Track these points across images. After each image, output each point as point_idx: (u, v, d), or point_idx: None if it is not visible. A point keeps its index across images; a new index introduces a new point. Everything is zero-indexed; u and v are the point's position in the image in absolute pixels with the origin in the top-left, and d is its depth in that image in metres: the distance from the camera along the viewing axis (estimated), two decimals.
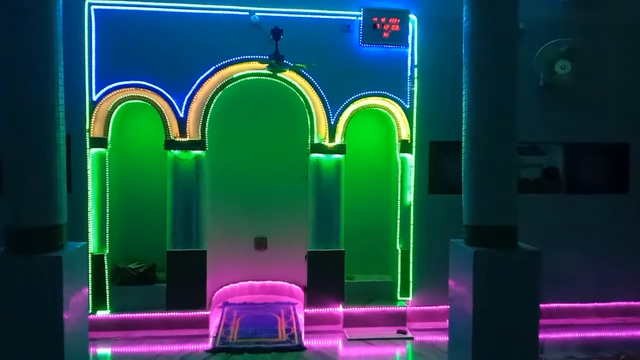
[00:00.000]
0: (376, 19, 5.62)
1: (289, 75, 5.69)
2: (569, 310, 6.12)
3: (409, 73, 5.82)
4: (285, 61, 5.21)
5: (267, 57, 5.16)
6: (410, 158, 5.91)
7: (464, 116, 2.66)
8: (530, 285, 2.54)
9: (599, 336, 5.74)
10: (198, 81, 5.58)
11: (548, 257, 5.92)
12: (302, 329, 5.66)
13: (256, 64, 5.54)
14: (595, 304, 6.17)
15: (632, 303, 6.19)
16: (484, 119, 2.58)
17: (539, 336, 5.54)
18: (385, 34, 5.65)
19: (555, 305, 6.10)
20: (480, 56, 2.56)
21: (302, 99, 5.78)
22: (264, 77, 5.78)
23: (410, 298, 5.93)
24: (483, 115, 2.58)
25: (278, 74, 5.59)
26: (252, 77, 5.78)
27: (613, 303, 6.18)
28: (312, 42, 5.67)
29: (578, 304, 6.15)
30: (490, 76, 2.56)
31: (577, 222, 6.09)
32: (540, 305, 5.91)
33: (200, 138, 5.63)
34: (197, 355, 5.08)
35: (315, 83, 5.70)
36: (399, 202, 5.97)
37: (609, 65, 6.07)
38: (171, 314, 5.57)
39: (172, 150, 5.61)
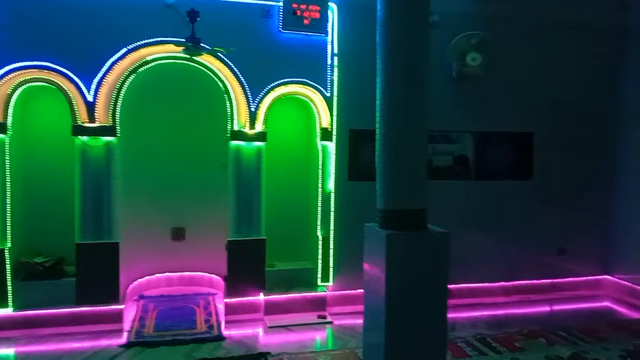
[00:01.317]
0: (296, 6, 5.59)
1: (206, 59, 5.52)
2: (478, 290, 6.49)
3: (329, 61, 5.86)
4: (202, 44, 5.06)
5: (184, 40, 4.98)
6: (331, 146, 5.96)
7: (377, 104, 2.70)
8: (439, 265, 2.65)
9: (505, 313, 6.13)
10: (108, 63, 5.27)
11: (459, 240, 6.20)
12: (222, 318, 5.58)
13: (171, 47, 5.32)
14: (502, 283, 6.58)
15: (535, 281, 6.67)
16: (395, 107, 2.64)
17: (450, 315, 5.90)
18: (306, 21, 5.64)
19: (465, 285, 6.44)
20: (393, 45, 2.61)
21: (221, 85, 5.64)
22: (180, 61, 5.57)
23: (330, 283, 6.02)
24: (394, 103, 2.63)
25: (195, 58, 5.41)
26: (168, 61, 5.55)
27: (517, 282, 6.62)
28: (231, 26, 5.54)
29: (486, 284, 6.53)
30: (401, 65, 2.61)
31: (486, 207, 6.46)
32: (452, 285, 6.31)
33: (111, 123, 5.33)
34: (110, 351, 4.86)
35: (235, 68, 5.58)
36: (319, 189, 6.02)
37: (517, 58, 6.43)
38: (81, 309, 5.27)
39: (80, 137, 5.27)
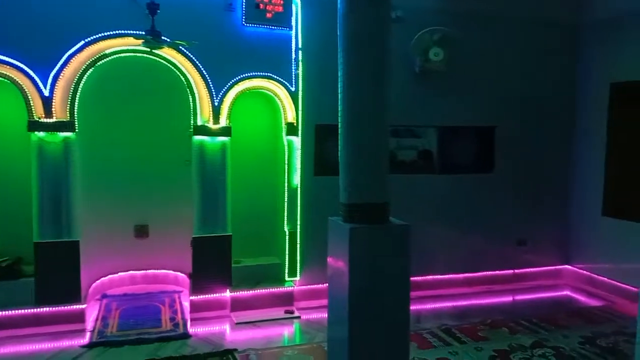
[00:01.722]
0: None
1: (168, 53, 5.41)
2: (442, 281, 6.60)
3: (293, 55, 5.83)
4: (163, 37, 4.96)
5: (143, 33, 4.86)
6: (297, 141, 5.94)
7: (339, 98, 2.70)
8: (401, 257, 2.68)
9: (469, 304, 6.25)
10: (65, 56, 5.10)
11: (424, 233, 6.39)
12: (188, 316, 5.51)
13: (131, 40, 5.19)
14: (465, 274, 6.72)
15: (497, 272, 6.82)
16: (356, 102, 2.64)
17: (416, 307, 5.98)
18: (269, 15, 5.59)
19: (430, 277, 6.55)
20: (353, 39, 2.61)
21: (183, 79, 5.54)
22: (140, 54, 5.43)
23: (297, 278, 6.01)
24: (355, 97, 2.64)
25: (155, 51, 5.29)
26: (128, 54, 5.41)
27: (480, 273, 6.76)
28: (193, 19, 5.45)
29: (450, 275, 6.65)
30: (362, 59, 2.62)
31: (449, 200, 6.56)
32: (417, 278, 6.42)
33: (68, 119, 5.17)
34: (72, 352, 4.74)
35: (197, 62, 5.49)
36: (286, 184, 6.00)
37: (479, 53, 6.54)
38: (41, 309, 5.11)
39: (36, 133, 5.09)
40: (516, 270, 6.87)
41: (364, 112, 2.64)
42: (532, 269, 6.98)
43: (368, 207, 2.69)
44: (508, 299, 6.44)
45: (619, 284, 6.33)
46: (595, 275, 6.72)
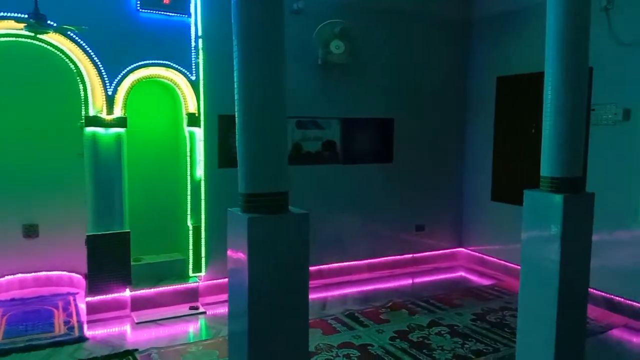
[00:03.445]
0: None
1: (55, 38, 5.03)
2: (347, 268, 6.79)
3: (193, 43, 5.65)
4: (48, 21, 4.61)
5: (26, 16, 4.48)
6: (199, 132, 5.79)
7: (235, 87, 2.66)
8: (300, 245, 2.71)
9: (372, 289, 6.47)
10: None
11: (329, 221, 6.54)
12: (84, 319, 5.21)
13: (12, 23, 4.77)
14: (369, 260, 6.95)
15: (397, 257, 7.13)
16: (252, 91, 2.61)
17: (322, 294, 6.11)
18: (166, 1, 5.38)
19: (336, 264, 6.71)
20: (246, 28, 2.58)
21: (73, 66, 5.18)
22: (23, 39, 5.00)
23: (203, 273, 5.89)
24: (251, 87, 2.61)
25: (40, 37, 4.90)
26: (9, 39, 4.96)
27: (382, 258, 7.04)
28: (83, 3, 5.11)
29: (355, 262, 6.85)
30: (255, 49, 2.59)
31: (353, 189, 6.75)
32: (323, 266, 6.56)
33: None
34: None
35: (88, 49, 5.15)
36: (188, 177, 5.83)
37: (379, 46, 6.74)
38: None
39: None
40: (415, 254, 7.24)
41: (261, 102, 2.62)
42: (429, 253, 7.38)
43: (267, 196, 2.68)
44: (408, 281, 6.76)
45: (506, 263, 6.87)
46: (486, 256, 7.25)
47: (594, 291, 5.56)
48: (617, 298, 5.49)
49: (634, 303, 5.33)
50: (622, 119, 5.40)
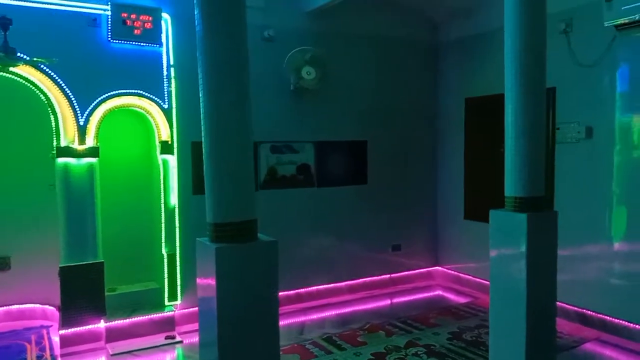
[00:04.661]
0: (126, 15, 5.36)
1: (26, 70, 5.04)
2: (326, 291, 6.81)
3: (165, 72, 5.71)
4: (18, 54, 4.65)
5: None
6: (172, 159, 5.81)
7: (201, 117, 2.72)
8: (269, 273, 2.74)
9: (351, 311, 6.48)
10: None
11: (307, 245, 6.59)
12: (58, 352, 5.12)
13: None
14: (348, 282, 6.98)
15: (376, 278, 7.18)
16: (216, 120, 2.67)
17: (300, 318, 6.10)
18: (137, 31, 5.43)
19: (315, 288, 6.72)
20: (210, 60, 2.65)
21: (44, 97, 5.19)
22: None
23: (178, 302, 5.84)
24: (215, 116, 2.67)
25: (10, 69, 4.91)
26: None
27: (361, 279, 7.07)
28: (54, 35, 5.14)
29: (334, 284, 6.88)
30: (220, 79, 2.66)
31: (329, 212, 6.82)
32: (302, 289, 6.57)
33: None
34: None
35: (59, 80, 5.16)
36: (162, 205, 5.82)
37: (349, 71, 6.88)
38: None
39: None
40: (393, 275, 7.29)
41: (226, 130, 2.68)
42: (407, 272, 7.44)
43: (234, 225, 2.72)
44: (387, 302, 6.80)
45: (481, 280, 6.95)
46: (462, 274, 7.34)
47: (566, 305, 5.68)
48: (588, 312, 5.60)
49: (605, 317, 5.43)
50: (584, 137, 5.58)
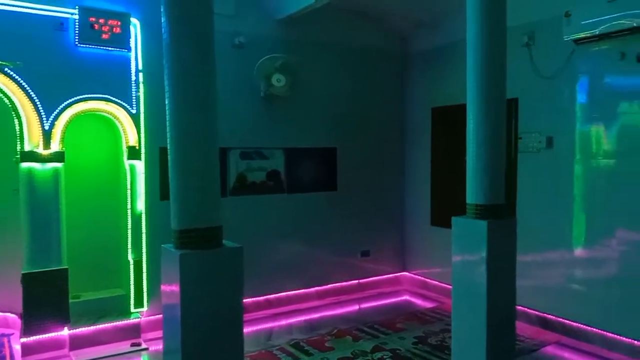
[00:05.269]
0: (94, 19, 5.32)
1: None
2: (295, 297, 6.83)
3: (133, 77, 5.68)
4: None
5: None
6: (140, 165, 5.77)
7: (167, 122, 2.74)
8: (234, 279, 2.76)
9: (319, 316, 6.52)
10: None
11: (277, 251, 6.62)
12: None
13: None
14: (317, 287, 7.02)
15: (345, 283, 7.24)
16: (182, 125, 2.70)
17: (269, 325, 6.11)
18: (105, 36, 5.39)
19: (284, 294, 6.74)
20: (175, 68, 2.68)
21: (7, 101, 5.10)
22: None
23: (144, 308, 5.79)
24: (181, 121, 2.70)
25: None
26: None
27: (330, 285, 7.13)
28: (19, 39, 5.07)
29: (302, 290, 6.91)
30: (184, 87, 2.69)
31: (299, 218, 6.87)
32: (271, 295, 6.58)
33: None
34: None
35: (24, 84, 5.09)
36: (129, 211, 5.77)
37: (319, 78, 6.96)
38: None
39: None
40: (361, 280, 7.37)
41: (190, 135, 2.70)
42: (375, 278, 7.53)
43: (199, 232, 2.74)
44: (355, 307, 6.86)
45: (447, 285, 7.07)
46: (428, 280, 7.47)
47: (528, 310, 5.85)
48: (549, 316, 5.77)
49: (565, 320, 5.61)
50: (545, 146, 5.77)
